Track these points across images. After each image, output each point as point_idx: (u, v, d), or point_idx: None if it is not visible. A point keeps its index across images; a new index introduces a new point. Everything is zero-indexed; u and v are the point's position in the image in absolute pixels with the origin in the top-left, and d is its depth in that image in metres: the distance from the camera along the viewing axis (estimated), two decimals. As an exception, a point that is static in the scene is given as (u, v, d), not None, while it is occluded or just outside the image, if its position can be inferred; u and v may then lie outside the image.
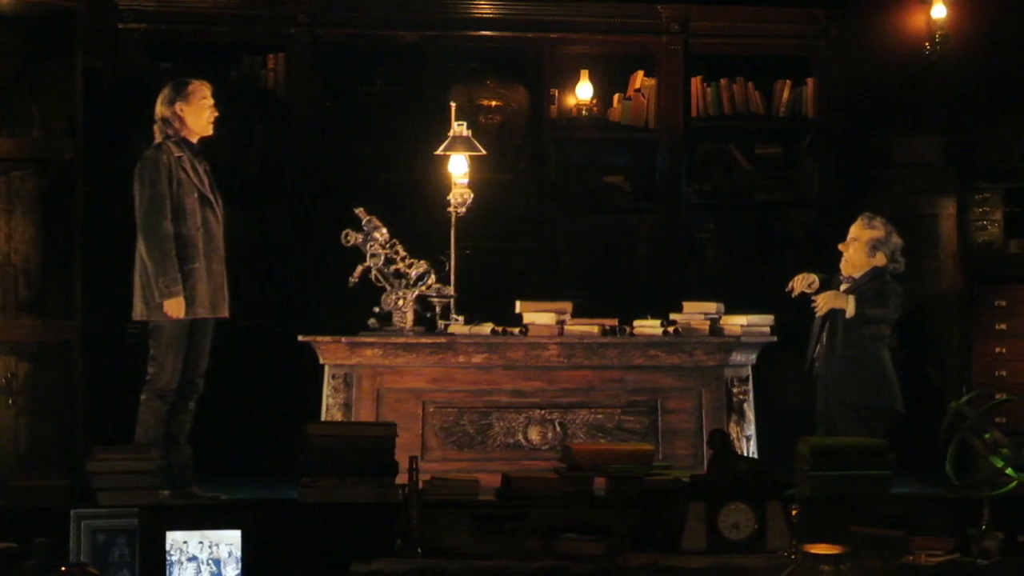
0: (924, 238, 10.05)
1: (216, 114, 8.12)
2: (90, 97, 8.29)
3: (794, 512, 6.75)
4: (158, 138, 8.02)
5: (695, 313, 8.43)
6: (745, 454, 8.18)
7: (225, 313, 8.09)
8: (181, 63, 9.92)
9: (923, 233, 10.06)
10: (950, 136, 10.41)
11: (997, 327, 10.00)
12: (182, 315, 7.83)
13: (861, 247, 8.40)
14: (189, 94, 8.04)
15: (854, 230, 8.46)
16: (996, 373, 9.92)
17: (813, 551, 6.61)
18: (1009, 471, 7.13)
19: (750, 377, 8.47)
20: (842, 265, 8.45)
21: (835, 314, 8.33)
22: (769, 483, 6.86)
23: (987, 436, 7.21)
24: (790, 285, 8.39)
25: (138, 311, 7.96)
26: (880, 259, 8.36)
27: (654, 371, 8.35)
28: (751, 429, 8.40)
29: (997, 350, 9.99)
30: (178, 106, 8.03)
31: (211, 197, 8.03)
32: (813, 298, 8.33)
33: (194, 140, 8.07)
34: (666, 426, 8.35)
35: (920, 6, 10.69)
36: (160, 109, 8.05)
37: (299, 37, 10.08)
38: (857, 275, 8.37)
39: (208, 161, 8.16)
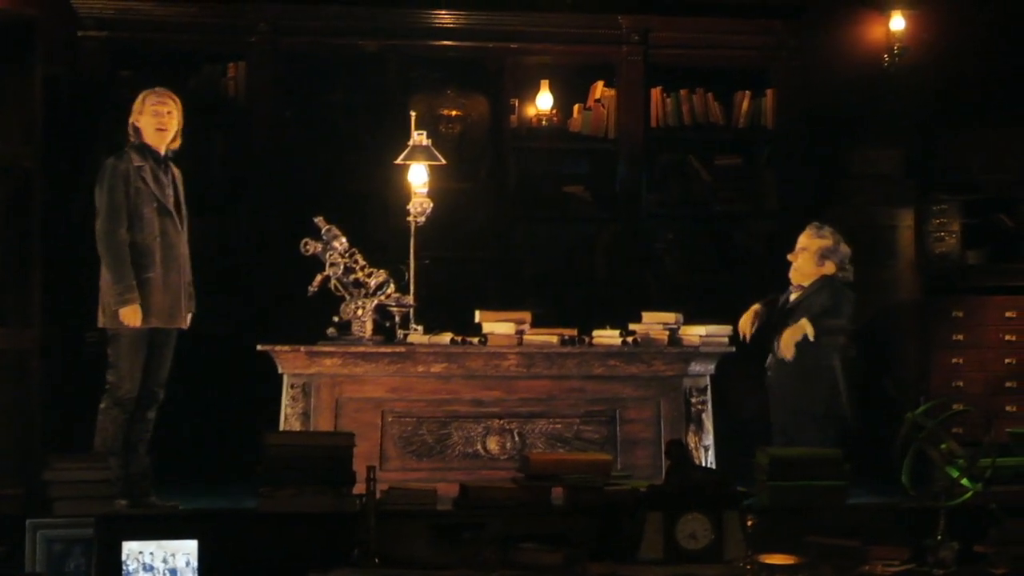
0: (882, 249, 10.10)
1: (168, 128, 8.05)
2: (49, 105, 8.27)
3: (750, 522, 6.76)
4: (132, 140, 8.02)
5: (654, 323, 8.47)
6: (704, 464, 8.21)
7: (183, 324, 8.08)
8: (141, 71, 9.89)
9: (881, 244, 10.12)
10: (908, 148, 10.46)
11: (954, 338, 10.05)
12: (138, 323, 7.81)
13: (810, 256, 8.45)
14: (143, 103, 8.05)
15: (803, 240, 8.51)
16: (953, 384, 9.97)
17: (769, 561, 6.66)
18: (965, 481, 7.15)
19: (709, 387, 8.49)
20: (791, 274, 8.51)
21: (784, 325, 8.36)
22: (726, 493, 6.87)
23: (943, 446, 7.23)
24: (741, 333, 8.42)
25: (100, 318, 7.95)
26: (829, 268, 8.41)
27: (613, 381, 8.36)
28: (709, 439, 8.42)
29: (954, 361, 10.04)
30: (135, 115, 8.04)
31: (171, 208, 8.00)
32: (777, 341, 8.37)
33: (160, 150, 8.04)
34: (625, 436, 8.36)
35: (879, 18, 10.76)
36: (132, 115, 8.07)
37: (259, 45, 10.06)
38: (806, 284, 8.43)
39: (177, 172, 8.15)
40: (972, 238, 10.26)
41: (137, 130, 8.03)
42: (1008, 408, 9.93)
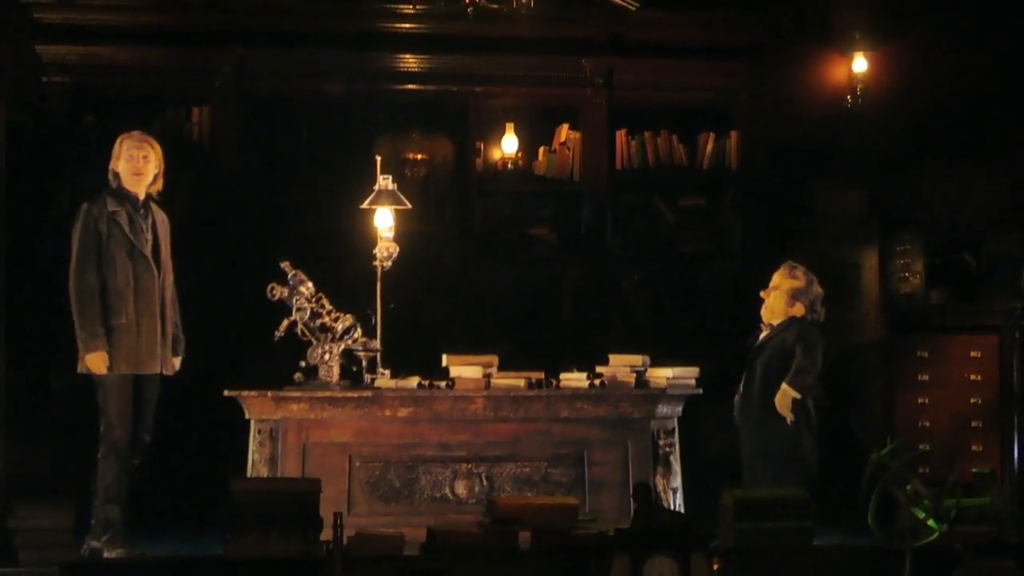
0: (846, 289, 10.14)
1: (144, 173, 8.05)
2: (14, 149, 8.25)
3: (716, 565, 6.76)
4: (111, 184, 8.01)
5: (621, 365, 8.46)
6: (672, 506, 8.21)
7: (155, 370, 8.03)
8: (106, 115, 9.91)
9: (845, 284, 10.15)
10: (871, 187, 10.52)
11: (920, 377, 10.10)
12: (103, 370, 7.78)
13: (781, 295, 8.47)
14: (121, 147, 8.06)
15: (776, 278, 8.53)
16: (919, 423, 10.02)
17: (736, 604, 6.66)
18: (931, 522, 7.17)
19: (676, 429, 8.49)
20: (763, 311, 8.53)
21: (752, 364, 8.39)
22: (693, 535, 6.86)
23: (908, 487, 7.25)
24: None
25: (79, 364, 7.91)
26: (799, 309, 8.43)
27: (580, 423, 8.35)
28: (677, 481, 8.42)
29: (920, 400, 10.09)
30: (114, 159, 8.05)
31: (147, 252, 7.98)
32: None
33: (139, 195, 8.04)
34: (592, 478, 8.35)
35: (841, 59, 10.82)
36: (111, 160, 8.07)
37: (224, 89, 10.07)
38: (775, 322, 8.44)
39: (160, 216, 8.14)
40: (936, 277, 10.32)
41: (116, 175, 8.03)
42: (974, 447, 9.97)
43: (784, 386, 8.24)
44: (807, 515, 7.42)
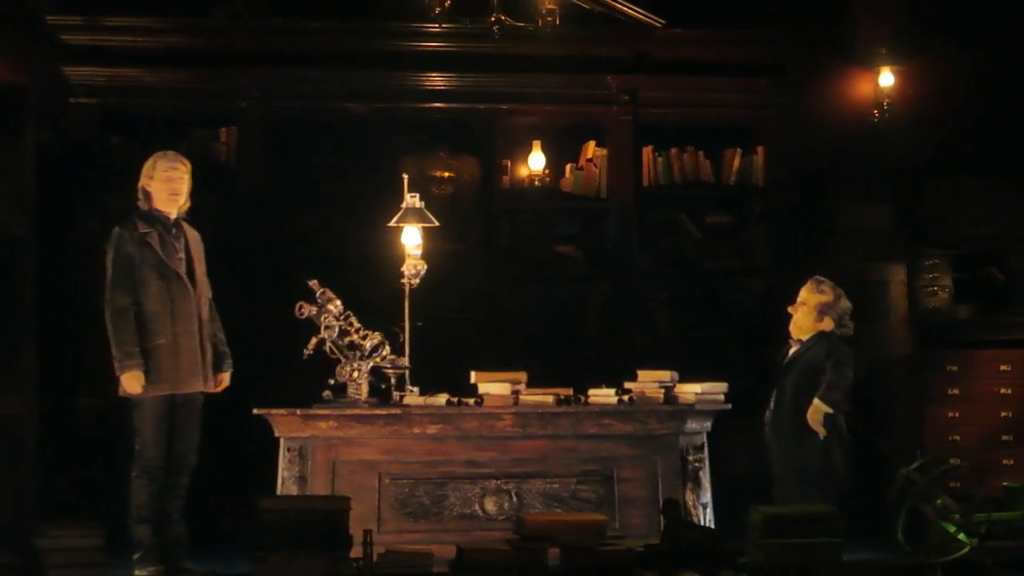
0: (874, 304, 10.11)
1: (179, 193, 8.07)
2: (41, 172, 8.29)
3: (744, 582, 6.76)
4: (139, 206, 8.02)
5: (649, 381, 8.44)
6: (701, 522, 8.19)
7: (197, 388, 8.03)
8: (132, 137, 9.95)
9: (873, 299, 10.12)
10: (898, 203, 10.48)
11: (949, 392, 10.06)
12: (139, 391, 7.79)
13: (809, 311, 8.47)
14: (155, 168, 8.04)
15: (803, 293, 8.53)
16: (949, 438, 9.97)
17: (766, 620, 6.65)
18: (961, 536, 7.16)
19: (705, 445, 8.47)
20: (791, 327, 8.53)
21: (782, 380, 8.38)
22: (721, 551, 6.87)
23: (938, 502, 7.24)
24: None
25: (120, 387, 7.92)
26: (827, 324, 8.43)
27: (608, 440, 8.34)
28: (707, 496, 8.40)
29: (949, 415, 10.05)
30: (144, 179, 8.03)
31: (182, 272, 8.00)
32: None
33: (170, 215, 8.05)
34: (621, 495, 8.33)
35: (867, 74, 10.81)
36: (141, 179, 8.06)
37: (250, 110, 10.11)
38: (804, 338, 8.44)
39: (192, 235, 8.17)
40: (963, 292, 10.29)
41: (148, 195, 8.02)
42: (1005, 461, 9.92)
43: (816, 401, 8.24)
44: (836, 531, 7.41)
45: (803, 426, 8.27)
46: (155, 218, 7.99)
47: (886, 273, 10.25)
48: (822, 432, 8.23)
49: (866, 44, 10.80)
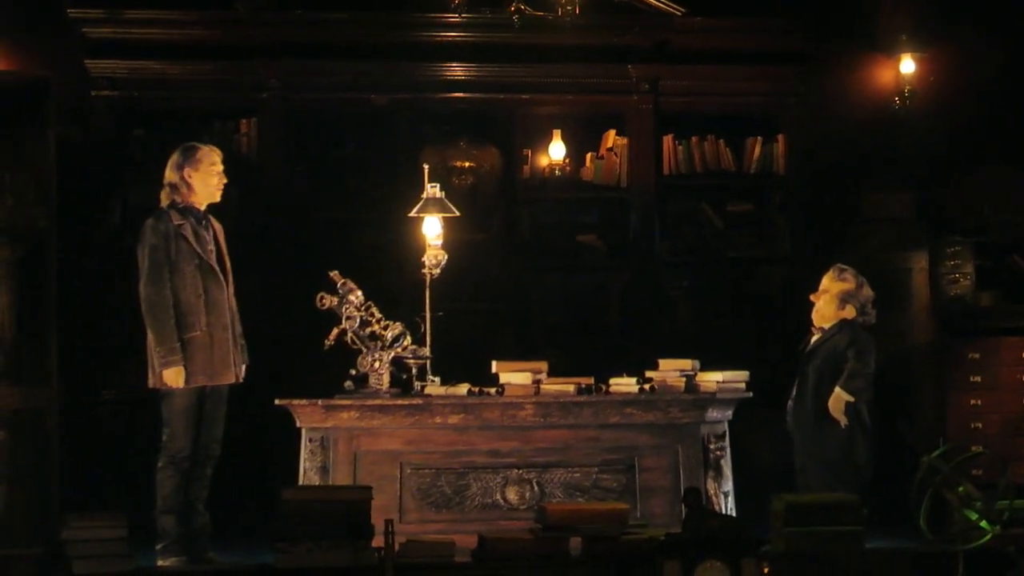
0: (896, 292, 10.09)
1: (224, 180, 8.12)
2: (63, 165, 8.30)
3: (766, 570, 6.75)
4: (164, 202, 8.02)
5: (670, 370, 8.43)
6: (723, 511, 8.19)
7: (230, 380, 8.06)
8: (153, 129, 9.99)
9: (895, 287, 10.10)
10: (920, 190, 10.46)
11: (971, 379, 10.03)
12: (181, 385, 7.82)
13: (831, 299, 8.45)
14: (198, 160, 8.03)
15: (825, 281, 8.52)
16: (972, 425, 9.95)
17: (788, 608, 6.65)
18: (983, 524, 7.14)
19: (727, 433, 8.46)
20: (813, 315, 8.52)
21: (804, 369, 8.38)
22: (743, 540, 6.86)
23: (960, 489, 7.22)
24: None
25: (149, 378, 7.93)
26: (849, 312, 8.41)
27: (630, 429, 8.34)
28: (728, 485, 8.39)
29: (972, 402, 10.02)
30: (186, 172, 8.01)
31: (214, 264, 8.02)
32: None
33: (201, 207, 8.07)
34: (643, 484, 8.33)
35: (888, 62, 10.78)
36: (168, 174, 8.04)
37: (271, 102, 10.14)
38: (826, 326, 8.43)
39: (218, 226, 8.19)
40: (986, 280, 10.26)
41: (189, 187, 8.01)
42: (1028, 449, 9.91)
43: (837, 390, 8.23)
44: (858, 519, 7.40)
45: (825, 415, 8.26)
46: (187, 210, 8.00)
47: (908, 261, 10.22)
48: (843, 421, 8.22)
49: (887, 31, 10.76)
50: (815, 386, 8.36)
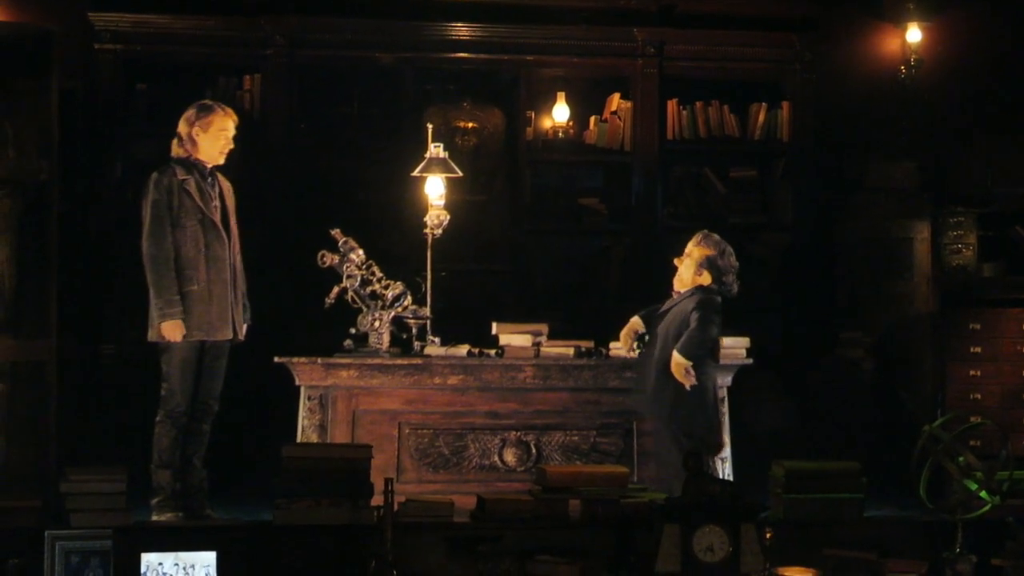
0: (898, 262, 10.10)
1: (231, 147, 8.07)
2: (66, 118, 8.27)
3: (768, 535, 6.75)
4: (175, 151, 7.99)
5: (670, 335, 8.41)
6: (721, 476, 8.19)
7: (227, 336, 8.02)
8: (157, 84, 9.95)
9: (897, 257, 10.11)
10: (924, 160, 10.45)
11: (971, 350, 10.02)
12: (179, 338, 7.81)
13: (691, 264, 8.13)
14: (209, 122, 7.99)
15: (689, 246, 8.21)
16: (971, 396, 9.94)
17: (787, 574, 6.65)
18: (983, 494, 7.15)
19: (726, 399, 8.46)
20: (675, 280, 8.27)
21: (654, 330, 8.15)
22: (743, 506, 6.85)
23: (960, 459, 7.22)
24: (625, 349, 8.27)
25: (149, 332, 7.92)
26: (705, 278, 8.10)
27: (629, 393, 8.34)
28: (727, 451, 8.39)
29: (972, 373, 10.01)
30: (196, 129, 7.97)
31: (217, 221, 7.99)
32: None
33: (207, 163, 8.04)
34: (641, 448, 8.35)
35: (894, 30, 10.76)
36: (180, 125, 8.01)
37: (275, 58, 10.09)
38: (683, 291, 8.18)
39: (226, 184, 8.16)
40: (988, 250, 10.24)
41: (193, 143, 7.97)
42: (1026, 420, 9.91)
43: (674, 353, 7.96)
44: (858, 487, 7.41)
45: (666, 376, 8.03)
46: (193, 165, 7.97)
47: (911, 230, 10.21)
48: (687, 383, 7.97)
49: (894, 0, 10.73)
50: (660, 348, 8.06)
